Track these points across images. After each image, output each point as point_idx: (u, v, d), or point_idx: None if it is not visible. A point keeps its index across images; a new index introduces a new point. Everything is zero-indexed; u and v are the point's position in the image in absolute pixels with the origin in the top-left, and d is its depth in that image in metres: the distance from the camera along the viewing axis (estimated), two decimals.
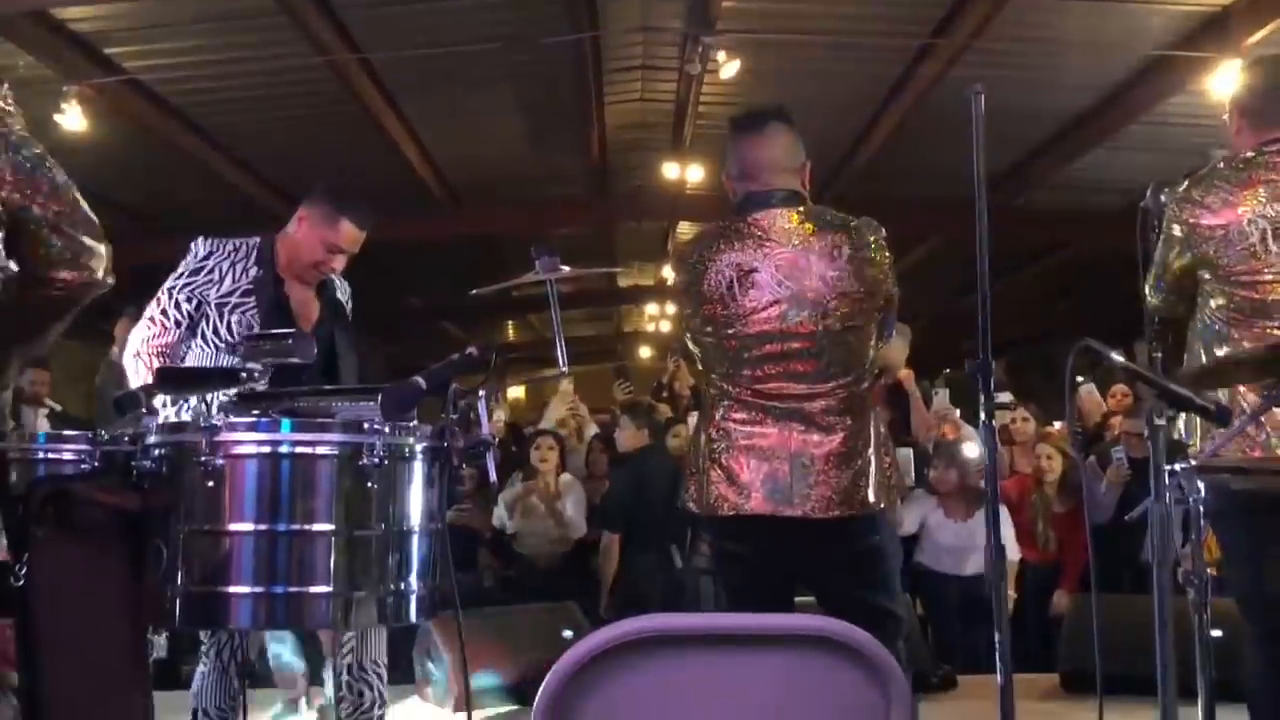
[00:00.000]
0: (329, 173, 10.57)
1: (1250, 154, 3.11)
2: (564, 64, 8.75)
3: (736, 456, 2.97)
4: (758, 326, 2.97)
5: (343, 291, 3.85)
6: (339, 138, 9.41)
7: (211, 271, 3.51)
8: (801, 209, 3.07)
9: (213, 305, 3.46)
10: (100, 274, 2.54)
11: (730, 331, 3.00)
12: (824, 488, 2.92)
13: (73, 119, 7.43)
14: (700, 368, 3.17)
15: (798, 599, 3.27)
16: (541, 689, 1.89)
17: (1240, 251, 3.00)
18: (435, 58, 7.98)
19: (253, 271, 3.53)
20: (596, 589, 7.03)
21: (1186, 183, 3.18)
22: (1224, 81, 7.25)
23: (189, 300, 3.47)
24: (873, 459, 2.99)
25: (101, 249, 2.53)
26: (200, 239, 3.60)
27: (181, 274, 3.53)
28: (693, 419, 7.75)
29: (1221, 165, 3.16)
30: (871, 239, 3.04)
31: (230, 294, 3.49)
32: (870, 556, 3.02)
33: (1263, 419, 2.86)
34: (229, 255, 3.54)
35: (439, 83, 8.80)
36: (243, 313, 3.47)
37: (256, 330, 3.38)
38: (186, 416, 3.08)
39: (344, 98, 8.62)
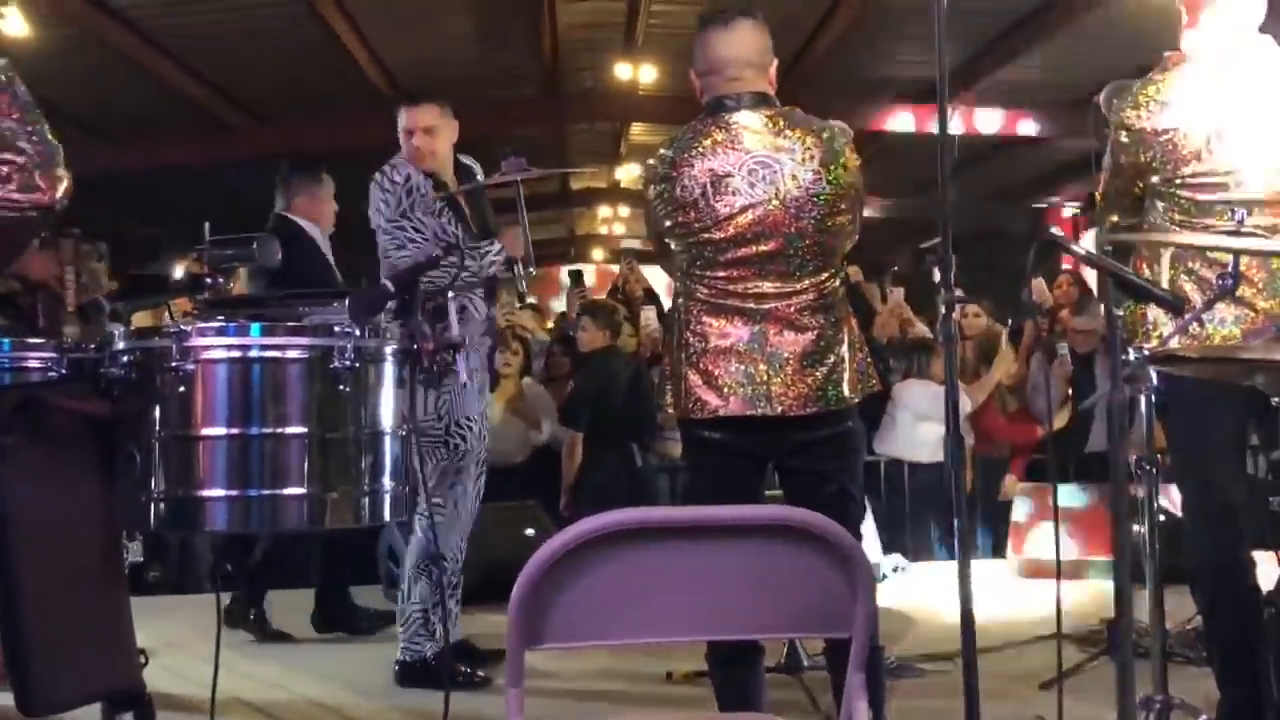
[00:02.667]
0: (278, 78, 10.44)
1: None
2: None
3: (714, 359, 3.01)
4: (732, 230, 2.99)
5: (475, 166, 4.62)
6: (287, 41, 9.24)
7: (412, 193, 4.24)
8: (771, 111, 3.07)
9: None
10: (58, 194, 2.52)
11: (705, 236, 3.02)
12: (800, 385, 2.99)
13: (14, 23, 7.23)
14: (674, 269, 3.19)
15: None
16: (517, 584, 1.92)
17: (1186, 155, 3.05)
18: None
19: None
20: (557, 488, 7.10)
21: (1135, 85, 3.21)
22: None
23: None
24: (846, 354, 3.06)
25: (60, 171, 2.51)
26: (383, 171, 4.36)
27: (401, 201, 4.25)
28: (646, 317, 7.83)
29: (1169, 67, 3.19)
30: (841, 141, 3.06)
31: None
32: (841, 442, 3.10)
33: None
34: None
35: None
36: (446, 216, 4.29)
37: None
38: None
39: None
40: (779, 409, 2.98)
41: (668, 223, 3.09)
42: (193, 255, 3.11)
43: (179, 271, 3.29)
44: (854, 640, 2.00)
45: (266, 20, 8.98)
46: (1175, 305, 2.41)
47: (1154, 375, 2.42)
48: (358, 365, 2.61)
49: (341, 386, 2.60)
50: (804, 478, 3.11)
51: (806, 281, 3.02)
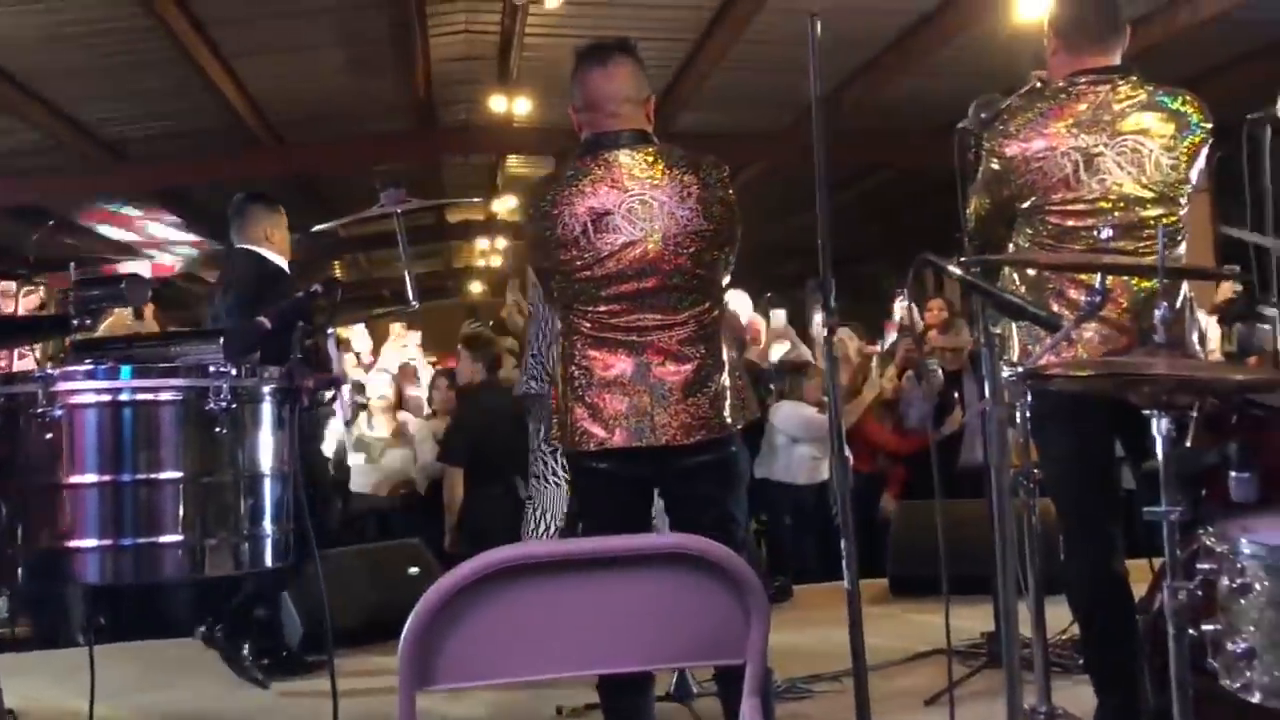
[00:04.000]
0: (141, 113, 10.18)
1: (1061, 83, 3.25)
2: None
3: (599, 392, 3.04)
4: (613, 266, 3.02)
5: None
6: (151, 75, 9.01)
7: None
8: (651, 149, 3.11)
9: None
10: None
11: (586, 274, 3.04)
12: (684, 415, 3.03)
13: None
14: (556, 303, 3.20)
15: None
16: (408, 624, 1.88)
17: (1055, 182, 3.15)
18: None
19: None
20: (439, 526, 7.01)
21: (1003, 112, 3.30)
22: (1028, 4, 7.54)
23: None
24: (726, 382, 3.10)
25: None
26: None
27: None
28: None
29: (1037, 93, 3.29)
30: (716, 176, 3.11)
31: None
32: (724, 468, 3.14)
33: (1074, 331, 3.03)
34: None
35: (257, 17, 8.49)
36: None
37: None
38: None
39: (155, 33, 8.24)
40: (663, 439, 3.02)
41: (547, 263, 3.12)
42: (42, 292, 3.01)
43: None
44: (748, 666, 2.00)
45: (130, 56, 8.77)
46: (1052, 323, 2.48)
47: (1027, 392, 2.48)
48: (234, 406, 2.54)
49: (218, 429, 2.54)
50: (689, 503, 3.14)
51: (686, 314, 3.07)
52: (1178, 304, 3.04)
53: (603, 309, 3.05)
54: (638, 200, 3.02)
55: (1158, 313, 2.27)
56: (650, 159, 3.08)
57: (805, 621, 5.63)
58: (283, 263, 5.00)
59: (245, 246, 4.99)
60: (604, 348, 3.05)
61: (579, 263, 3.04)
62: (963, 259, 2.94)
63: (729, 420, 3.08)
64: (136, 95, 9.23)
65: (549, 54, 9.90)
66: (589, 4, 8.52)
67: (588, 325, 3.07)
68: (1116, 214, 3.09)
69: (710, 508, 3.08)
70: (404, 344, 10.43)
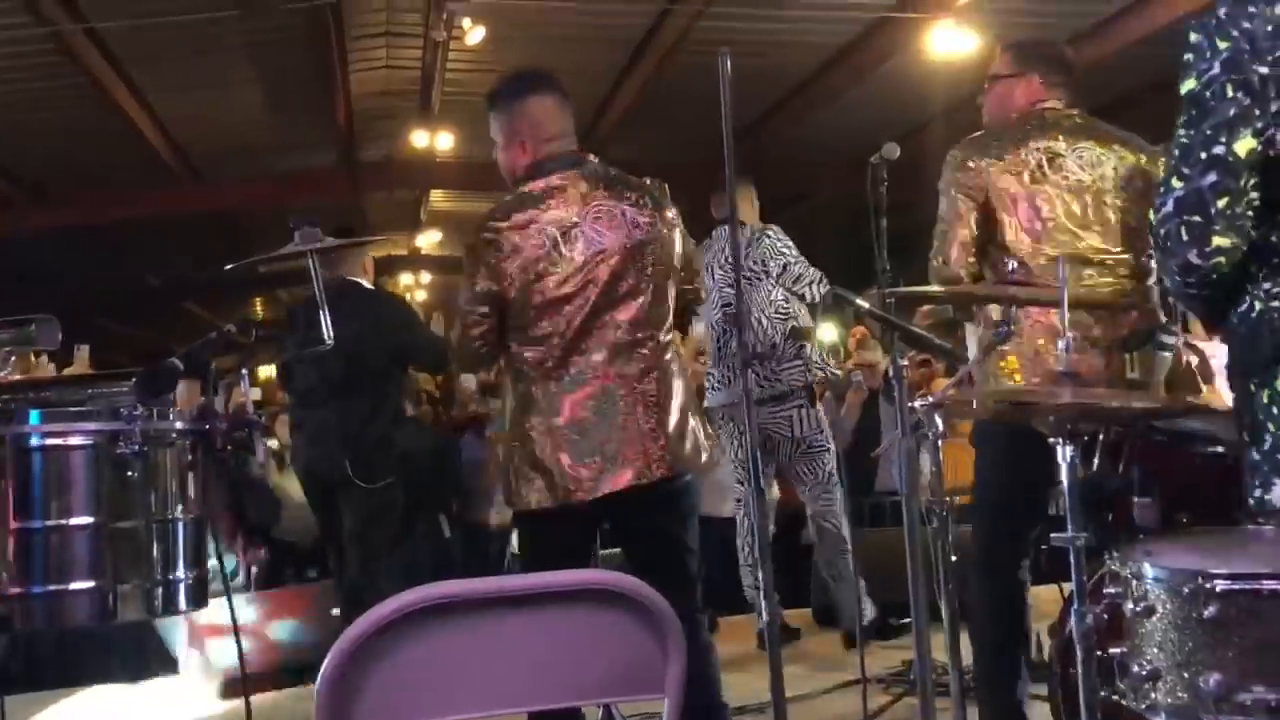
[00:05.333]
0: (56, 150, 10.02)
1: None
2: (304, 32, 8.51)
3: (559, 445, 2.96)
4: (575, 285, 2.98)
5: None
6: (66, 112, 8.88)
7: None
8: (592, 170, 3.10)
9: None
10: None
11: (543, 297, 2.98)
12: (653, 449, 2.97)
13: None
14: (508, 344, 3.09)
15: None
16: (325, 665, 1.86)
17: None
18: (168, 27, 7.62)
19: None
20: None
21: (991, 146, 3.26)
22: (939, 41, 7.72)
23: None
24: (692, 419, 3.07)
25: None
26: None
27: None
28: (465, 379, 7.80)
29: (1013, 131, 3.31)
30: (663, 198, 3.14)
31: None
32: (679, 499, 3.10)
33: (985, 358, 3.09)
34: None
35: (172, 52, 8.41)
36: None
37: None
38: None
39: (70, 70, 8.14)
40: (626, 481, 2.94)
41: (495, 285, 3.01)
42: None
43: None
44: (668, 700, 2.01)
45: (46, 92, 8.64)
46: (953, 355, 2.53)
47: (939, 421, 2.53)
48: (146, 449, 2.51)
49: (129, 473, 2.50)
50: (645, 536, 3.11)
51: (644, 334, 3.03)
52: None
53: (556, 340, 3.00)
54: (591, 219, 3.01)
55: (1061, 344, 2.33)
56: (594, 179, 3.08)
57: (726, 653, 5.63)
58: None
59: (353, 280, 5.06)
60: (558, 381, 3.02)
61: (537, 283, 2.97)
62: (875, 290, 2.97)
63: (688, 453, 3.05)
64: (52, 133, 9.08)
65: (470, 88, 9.92)
66: (509, 39, 8.55)
67: (542, 364, 3.02)
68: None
69: (667, 541, 3.08)
70: None
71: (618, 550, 3.39)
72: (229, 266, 3.90)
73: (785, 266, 5.34)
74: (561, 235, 2.98)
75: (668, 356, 3.07)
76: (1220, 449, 2.76)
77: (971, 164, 3.19)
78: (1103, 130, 3.26)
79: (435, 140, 10.76)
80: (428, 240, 15.67)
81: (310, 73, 9.42)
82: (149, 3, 7.48)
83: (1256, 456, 1.99)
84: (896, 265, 3.39)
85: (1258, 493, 1.97)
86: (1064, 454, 2.30)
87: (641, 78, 9.24)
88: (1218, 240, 1.94)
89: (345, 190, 12.96)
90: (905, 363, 2.36)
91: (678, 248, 3.13)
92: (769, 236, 5.45)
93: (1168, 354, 2.94)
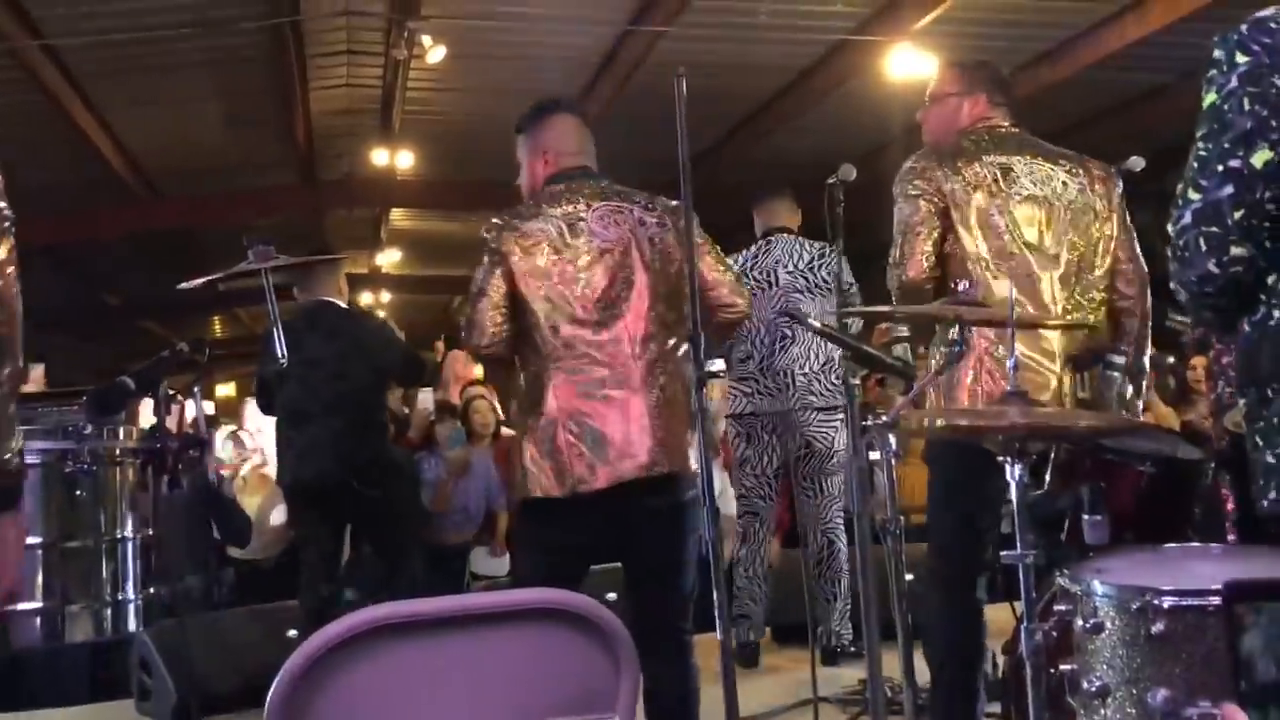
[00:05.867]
0: (11, 167, 9.90)
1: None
2: (264, 50, 8.48)
3: (571, 437, 3.02)
4: (582, 277, 3.08)
5: None
6: (23, 129, 8.79)
7: None
8: (605, 183, 3.24)
9: None
10: None
11: (550, 287, 3.07)
12: (658, 445, 3.03)
13: None
14: (518, 335, 3.15)
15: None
16: (273, 688, 1.84)
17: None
18: (126, 43, 7.57)
19: None
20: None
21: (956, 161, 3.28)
22: (897, 64, 7.79)
23: None
24: (688, 424, 3.10)
25: None
26: None
27: None
28: (423, 399, 7.78)
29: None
30: (678, 210, 3.15)
31: None
32: (685, 510, 3.12)
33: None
34: None
35: (131, 70, 8.36)
36: None
37: None
38: None
39: (27, 87, 8.07)
40: (633, 470, 3.01)
41: (504, 280, 3.10)
42: None
43: None
44: (619, 718, 2.01)
45: (2, 109, 8.54)
46: (906, 373, 2.55)
47: (892, 440, 2.55)
48: (95, 469, 2.49)
49: (78, 492, 2.48)
50: (648, 536, 3.13)
51: (657, 342, 3.10)
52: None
53: (566, 336, 3.08)
54: (600, 221, 3.13)
55: (1010, 363, 2.35)
56: (604, 188, 3.21)
57: None
58: None
59: (329, 300, 5.08)
60: (571, 380, 3.08)
61: (558, 275, 3.07)
62: (834, 310, 2.99)
63: (693, 461, 3.10)
64: (8, 150, 8.97)
65: (431, 108, 9.92)
66: (471, 58, 8.56)
67: (558, 359, 3.09)
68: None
69: (668, 556, 3.14)
70: None
71: (618, 565, 3.36)
72: (182, 285, 3.88)
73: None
74: (568, 227, 3.09)
75: (677, 355, 3.13)
76: (1167, 467, 2.80)
77: (931, 173, 3.20)
78: (1045, 148, 3.31)
79: (396, 159, 10.75)
80: (388, 259, 15.62)
81: (270, 90, 9.38)
82: (107, 19, 7.44)
83: (1271, 460, 2.02)
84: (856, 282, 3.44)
85: (1272, 494, 2.01)
86: (1013, 473, 2.32)
87: (602, 98, 9.26)
88: (1236, 250, 1.99)
89: (305, 208, 12.92)
90: (856, 382, 2.38)
91: (675, 260, 3.17)
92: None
93: (1116, 374, 2.98)
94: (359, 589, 6.18)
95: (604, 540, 3.14)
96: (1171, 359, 7.47)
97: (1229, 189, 1.97)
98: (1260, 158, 1.95)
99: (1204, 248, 2.00)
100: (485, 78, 9.06)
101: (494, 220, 3.15)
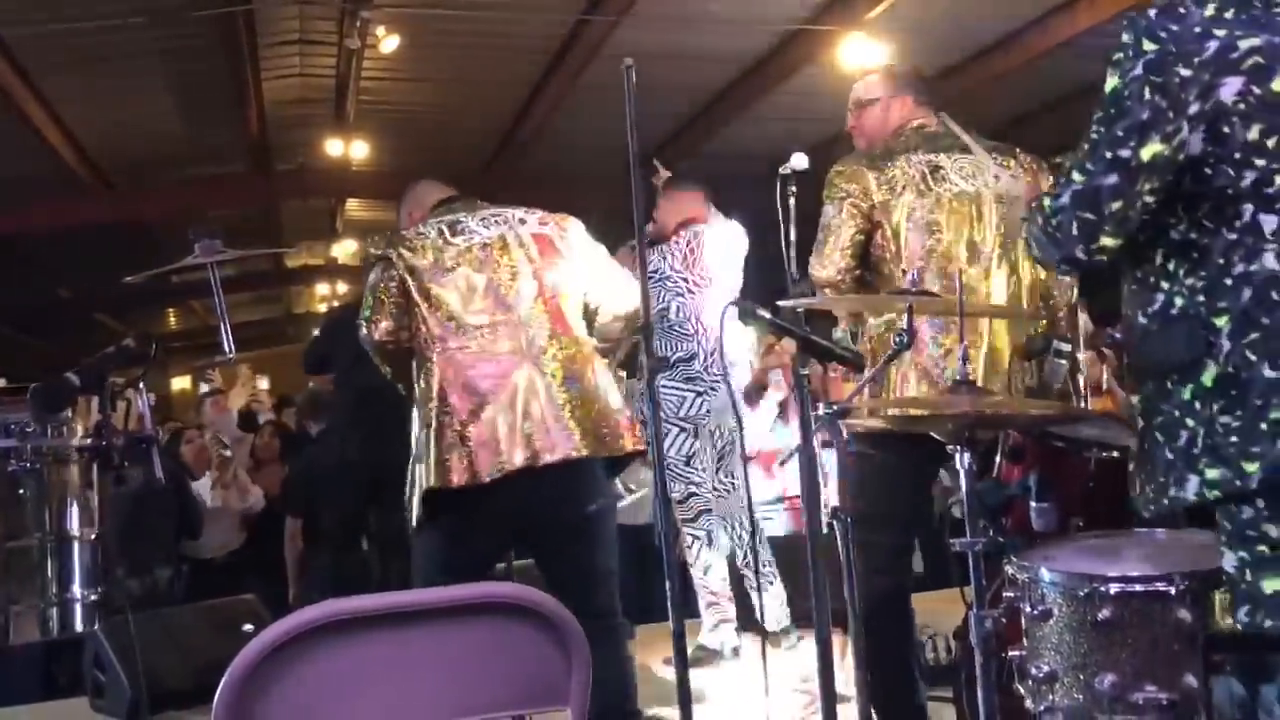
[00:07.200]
0: None
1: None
2: (215, 39, 8.39)
3: (467, 425, 3.09)
4: (472, 269, 3.26)
5: None
6: None
7: None
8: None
9: None
10: None
11: (445, 277, 3.22)
12: (559, 432, 3.12)
13: None
14: (418, 328, 3.24)
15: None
16: (222, 686, 1.82)
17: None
18: (75, 34, 7.47)
19: None
20: (276, 579, 6.83)
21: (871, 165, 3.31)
22: (850, 53, 7.81)
23: None
24: (608, 403, 3.24)
25: None
26: None
27: None
28: None
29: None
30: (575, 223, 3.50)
31: None
32: (592, 486, 3.22)
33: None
34: None
35: (81, 60, 8.25)
36: None
37: None
38: None
39: None
40: (561, 454, 3.10)
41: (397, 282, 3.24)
42: None
43: None
44: (572, 712, 2.01)
45: None
46: (857, 362, 2.56)
47: (843, 429, 2.56)
48: (38, 467, 2.46)
49: (21, 490, 2.45)
50: (555, 525, 3.19)
51: (558, 332, 3.25)
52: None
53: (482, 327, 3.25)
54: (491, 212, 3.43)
55: (958, 351, 2.37)
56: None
57: (641, 661, 5.63)
58: None
59: None
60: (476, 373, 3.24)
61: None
62: (781, 301, 2.99)
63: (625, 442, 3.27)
64: None
65: (385, 97, 9.85)
66: (425, 48, 8.51)
67: (464, 351, 3.24)
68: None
69: (586, 554, 3.24)
70: (252, 390, 10.18)
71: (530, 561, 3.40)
72: (128, 279, 3.85)
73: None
74: (448, 227, 3.29)
75: (581, 342, 3.26)
76: (1115, 454, 2.82)
77: (857, 177, 3.21)
78: (974, 143, 3.32)
79: (350, 149, 10.69)
80: (343, 250, 15.52)
81: (223, 80, 9.29)
82: (56, 10, 7.33)
83: (1170, 455, 1.98)
84: (806, 275, 3.43)
85: (1172, 491, 1.98)
86: (962, 460, 2.34)
87: (558, 87, 9.24)
88: (1105, 240, 2.00)
89: (259, 199, 12.81)
90: (806, 371, 2.38)
91: (585, 250, 3.39)
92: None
93: (1063, 361, 3.00)
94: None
95: (512, 529, 3.24)
96: None
97: (1112, 178, 1.97)
98: (1150, 150, 1.94)
99: (1075, 232, 2.01)
100: (439, 68, 9.02)
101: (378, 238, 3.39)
